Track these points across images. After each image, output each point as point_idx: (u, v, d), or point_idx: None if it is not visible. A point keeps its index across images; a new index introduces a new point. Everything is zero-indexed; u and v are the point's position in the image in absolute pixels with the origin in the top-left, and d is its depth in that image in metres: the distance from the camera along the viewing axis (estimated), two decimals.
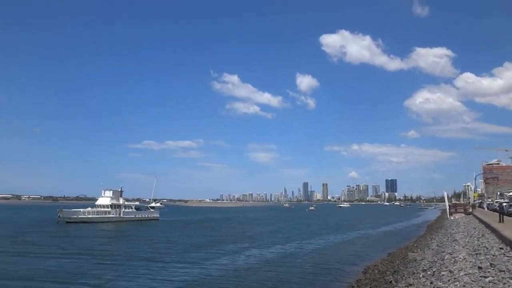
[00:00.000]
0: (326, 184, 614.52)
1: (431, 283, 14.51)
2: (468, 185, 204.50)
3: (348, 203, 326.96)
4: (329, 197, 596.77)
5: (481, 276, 13.02)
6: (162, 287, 20.47)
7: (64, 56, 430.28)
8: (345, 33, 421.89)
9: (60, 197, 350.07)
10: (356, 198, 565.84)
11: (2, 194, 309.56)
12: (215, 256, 31.35)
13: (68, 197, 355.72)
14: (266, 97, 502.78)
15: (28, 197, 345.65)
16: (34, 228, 56.79)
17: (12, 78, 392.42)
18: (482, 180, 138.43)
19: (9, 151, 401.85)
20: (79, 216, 66.74)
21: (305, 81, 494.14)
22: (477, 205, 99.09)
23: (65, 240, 42.65)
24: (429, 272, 17.29)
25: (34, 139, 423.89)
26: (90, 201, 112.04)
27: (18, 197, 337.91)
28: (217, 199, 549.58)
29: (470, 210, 71.88)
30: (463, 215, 67.13)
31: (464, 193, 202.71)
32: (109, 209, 71.17)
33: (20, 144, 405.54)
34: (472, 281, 12.68)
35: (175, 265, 27.33)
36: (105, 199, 72.25)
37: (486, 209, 79.03)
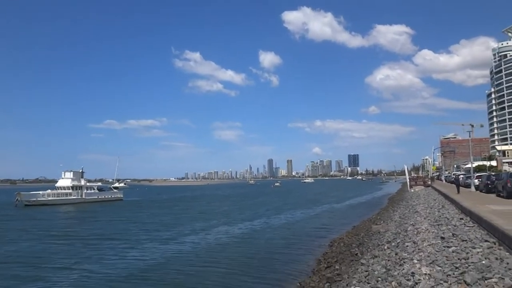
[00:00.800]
0: (291, 160, 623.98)
1: (396, 254, 14.73)
2: (426, 159, 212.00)
3: (312, 179, 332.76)
4: (293, 173, 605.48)
5: (444, 246, 13.27)
6: (134, 265, 20.10)
7: (19, 34, 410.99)
8: (306, 10, 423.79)
9: (18, 180, 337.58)
10: (320, 173, 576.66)
11: None
12: (184, 234, 31.18)
13: (27, 179, 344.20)
14: (230, 75, 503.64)
15: None
16: None
17: None
18: (440, 154, 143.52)
19: None
20: (39, 199, 64.52)
21: (268, 58, 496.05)
22: (436, 177, 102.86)
23: (28, 223, 41.16)
24: (393, 244, 17.61)
25: None
26: (50, 183, 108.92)
27: None
28: (182, 178, 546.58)
29: (429, 182, 74.44)
30: (422, 187, 69.43)
31: (423, 166, 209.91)
32: (70, 190, 69.06)
33: None
34: (436, 251, 12.90)
35: (144, 243, 26.99)
36: (65, 181, 69.91)
37: (444, 181, 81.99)
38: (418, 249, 14.16)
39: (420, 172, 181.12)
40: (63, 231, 34.08)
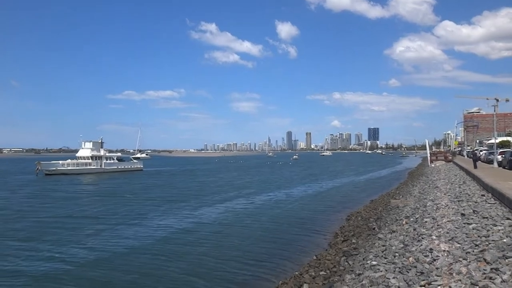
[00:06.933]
0: (310, 133, 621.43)
1: (414, 229, 14.53)
2: (448, 133, 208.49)
3: (330, 152, 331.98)
4: (312, 146, 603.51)
5: (464, 223, 12.99)
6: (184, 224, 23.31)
7: (40, 7, 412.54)
8: None
9: (42, 150, 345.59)
10: (339, 146, 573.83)
11: None
12: (205, 203, 32.28)
13: (50, 149, 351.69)
14: (246, 46, 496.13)
15: (10, 150, 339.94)
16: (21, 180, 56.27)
17: None
18: (463, 128, 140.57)
19: None
20: (58, 168, 65.80)
21: (285, 29, 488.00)
22: (457, 152, 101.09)
23: (79, 187, 46.45)
24: (412, 219, 17.39)
25: (13, 92, 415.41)
26: (73, 153, 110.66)
27: None
28: (202, 149, 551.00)
29: (451, 157, 73.15)
30: (443, 162, 68.36)
31: (445, 141, 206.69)
32: (90, 160, 70.24)
33: None
34: (456, 227, 12.65)
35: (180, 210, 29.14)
36: (85, 151, 71.03)
37: (465, 156, 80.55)
38: (437, 225, 13.92)
39: (442, 147, 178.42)
40: (126, 195, 38.49)
